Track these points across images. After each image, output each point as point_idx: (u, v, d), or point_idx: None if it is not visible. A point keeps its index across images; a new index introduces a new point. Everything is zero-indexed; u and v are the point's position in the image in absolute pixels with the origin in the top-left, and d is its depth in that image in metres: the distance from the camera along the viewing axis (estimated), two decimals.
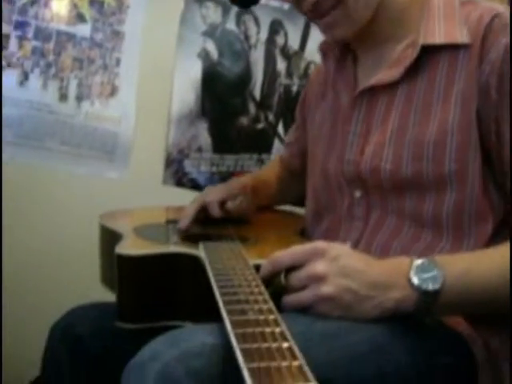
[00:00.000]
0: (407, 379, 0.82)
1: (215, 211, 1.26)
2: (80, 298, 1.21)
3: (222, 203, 1.28)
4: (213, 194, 1.29)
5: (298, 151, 1.39)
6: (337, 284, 0.80)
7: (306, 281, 0.82)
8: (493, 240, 0.93)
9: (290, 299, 0.83)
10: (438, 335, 0.88)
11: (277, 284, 0.84)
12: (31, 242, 1.82)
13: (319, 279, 0.81)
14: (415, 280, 0.81)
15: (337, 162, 1.10)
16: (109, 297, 1.09)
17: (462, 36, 0.96)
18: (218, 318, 0.74)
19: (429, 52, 0.98)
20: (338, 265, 0.82)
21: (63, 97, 1.83)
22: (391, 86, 1.02)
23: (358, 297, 0.81)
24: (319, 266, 0.81)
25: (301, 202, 1.32)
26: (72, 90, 1.84)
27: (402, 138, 0.99)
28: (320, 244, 0.85)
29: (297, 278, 0.83)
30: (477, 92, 0.93)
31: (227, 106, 1.94)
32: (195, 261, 0.95)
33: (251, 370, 0.56)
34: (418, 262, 0.82)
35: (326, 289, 0.80)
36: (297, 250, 0.85)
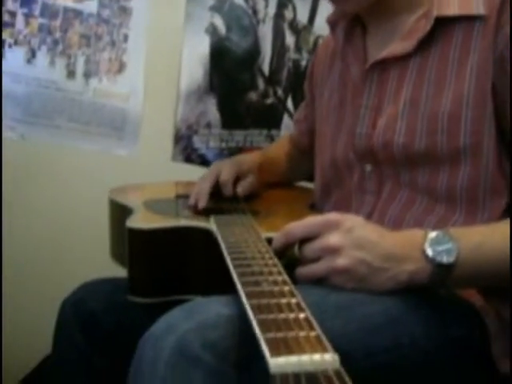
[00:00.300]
0: (422, 350, 0.82)
1: (229, 190, 1.26)
2: (91, 274, 1.21)
3: (234, 181, 1.28)
4: (225, 172, 1.28)
5: (307, 129, 1.38)
6: (351, 256, 0.80)
7: (320, 252, 0.82)
8: (506, 214, 0.92)
9: (303, 271, 0.83)
10: (451, 307, 0.88)
11: (290, 256, 0.84)
12: (41, 218, 1.82)
13: (333, 251, 0.81)
14: (430, 252, 0.80)
15: (347, 136, 1.09)
16: (119, 274, 1.09)
17: (477, 7, 0.94)
18: (230, 292, 0.74)
19: (443, 24, 0.96)
20: (352, 236, 0.81)
21: (71, 74, 1.83)
22: (403, 59, 1.01)
23: (372, 269, 0.80)
24: (333, 238, 0.81)
25: (312, 179, 1.32)
26: (80, 67, 1.83)
27: (416, 111, 0.98)
28: (334, 215, 0.85)
29: (311, 249, 0.83)
30: (492, 64, 0.91)
31: (236, 82, 1.92)
32: (207, 234, 0.95)
33: (268, 340, 0.56)
34: (433, 234, 0.82)
35: (341, 261, 0.80)
36: (310, 222, 0.84)
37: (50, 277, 1.80)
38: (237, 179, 1.29)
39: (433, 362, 0.83)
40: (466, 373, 0.87)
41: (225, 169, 1.29)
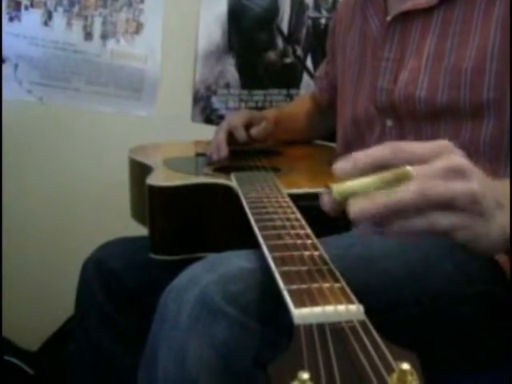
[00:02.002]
0: (444, 306, 0.81)
1: (241, 135, 1.26)
2: (112, 234, 1.22)
3: (247, 128, 1.27)
4: (236, 118, 1.29)
5: (328, 86, 1.36)
6: (482, 182, 0.60)
7: (449, 173, 0.59)
8: None
9: (421, 186, 0.57)
10: (474, 263, 0.86)
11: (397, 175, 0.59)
12: (62, 180, 1.83)
13: (463, 172, 0.59)
14: None
15: (368, 91, 1.07)
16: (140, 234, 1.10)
17: None
18: (252, 248, 0.74)
19: None
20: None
21: (88, 35, 1.81)
22: (427, 10, 0.98)
23: (495, 205, 0.62)
24: (458, 158, 0.60)
25: (332, 138, 1.30)
26: (97, 29, 1.81)
27: (439, 65, 0.95)
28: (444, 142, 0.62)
29: (430, 170, 0.58)
30: None
31: (254, 41, 1.89)
32: (227, 191, 0.95)
33: (292, 292, 0.56)
34: None
35: (475, 185, 0.59)
36: (424, 145, 0.61)
37: (71, 238, 1.81)
38: (250, 126, 1.29)
39: (455, 317, 0.82)
40: (488, 328, 0.86)
41: (235, 116, 1.31)
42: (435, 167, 0.58)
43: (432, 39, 0.97)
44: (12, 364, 1.58)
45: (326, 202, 0.60)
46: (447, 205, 0.57)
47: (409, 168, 0.58)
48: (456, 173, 0.58)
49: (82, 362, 1.17)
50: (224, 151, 1.20)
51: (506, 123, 0.91)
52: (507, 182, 0.67)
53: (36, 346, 1.71)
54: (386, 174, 0.58)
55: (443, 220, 0.58)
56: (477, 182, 0.59)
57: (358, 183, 0.59)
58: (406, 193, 0.56)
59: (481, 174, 0.61)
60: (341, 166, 0.61)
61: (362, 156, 0.61)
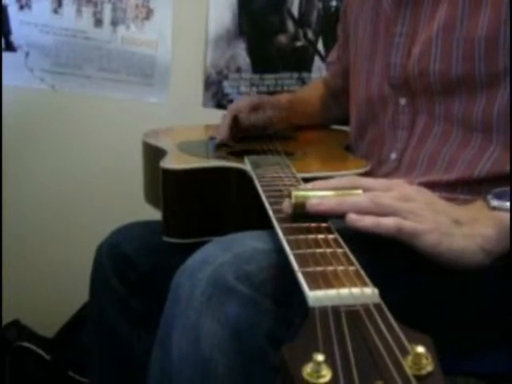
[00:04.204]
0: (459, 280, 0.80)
1: (243, 117, 1.26)
2: (126, 219, 1.22)
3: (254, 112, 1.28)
4: (242, 102, 1.30)
5: (340, 71, 1.35)
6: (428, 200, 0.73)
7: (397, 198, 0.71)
8: None
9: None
10: None
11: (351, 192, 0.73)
12: (76, 164, 1.84)
13: (408, 198, 0.71)
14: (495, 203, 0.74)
15: (382, 68, 1.06)
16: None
17: None
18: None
19: None
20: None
21: (98, 22, 1.81)
22: None
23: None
24: (406, 189, 0.73)
25: (345, 123, 1.30)
26: (106, 15, 1.81)
27: (451, 35, 0.93)
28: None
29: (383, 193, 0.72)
30: None
31: (265, 25, 1.88)
32: (241, 174, 0.95)
33: (306, 274, 0.55)
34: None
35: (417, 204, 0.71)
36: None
37: (86, 224, 1.82)
38: (257, 110, 1.30)
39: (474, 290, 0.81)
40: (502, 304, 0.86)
41: (242, 100, 1.32)
42: (387, 193, 0.70)
43: (443, 10, 0.95)
44: (30, 350, 1.60)
45: (285, 205, 0.71)
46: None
47: (361, 191, 0.70)
48: (404, 197, 0.70)
49: (97, 346, 1.18)
50: (222, 134, 1.20)
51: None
52: (473, 206, 0.76)
53: (53, 332, 1.72)
54: (341, 191, 0.71)
55: (406, 223, 0.67)
56: (421, 202, 0.70)
57: (315, 192, 0.71)
58: (359, 196, 0.69)
59: (430, 198, 0.73)
60: (302, 186, 0.76)
61: (321, 182, 0.74)
